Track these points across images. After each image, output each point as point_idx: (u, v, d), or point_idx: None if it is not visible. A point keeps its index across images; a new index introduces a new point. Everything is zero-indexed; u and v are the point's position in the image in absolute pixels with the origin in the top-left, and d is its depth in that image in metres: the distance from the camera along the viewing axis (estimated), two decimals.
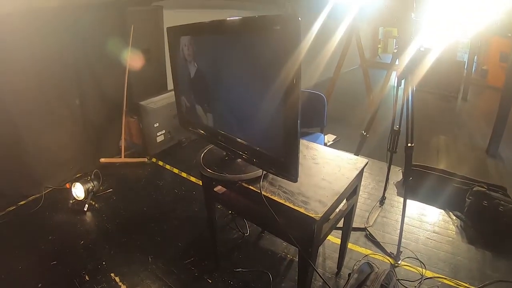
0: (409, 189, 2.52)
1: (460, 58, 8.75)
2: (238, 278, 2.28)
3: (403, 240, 2.48)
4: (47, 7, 2.89)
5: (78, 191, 3.07)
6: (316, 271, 1.79)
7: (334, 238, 2.61)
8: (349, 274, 2.11)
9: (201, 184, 2.10)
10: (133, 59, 3.69)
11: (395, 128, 2.61)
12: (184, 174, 3.63)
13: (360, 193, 2.00)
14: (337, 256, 2.31)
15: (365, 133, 2.84)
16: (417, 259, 2.43)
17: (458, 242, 2.66)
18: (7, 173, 2.99)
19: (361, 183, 1.98)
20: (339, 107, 5.76)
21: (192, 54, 1.79)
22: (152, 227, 2.79)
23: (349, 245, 2.41)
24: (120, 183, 3.44)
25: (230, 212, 2.79)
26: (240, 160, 1.77)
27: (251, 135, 1.57)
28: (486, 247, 2.59)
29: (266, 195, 1.54)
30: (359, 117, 4.85)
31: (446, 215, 2.99)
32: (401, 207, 2.45)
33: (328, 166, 1.81)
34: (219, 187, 2.00)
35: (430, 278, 2.29)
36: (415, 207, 3.06)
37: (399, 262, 2.41)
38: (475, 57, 8.79)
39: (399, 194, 3.26)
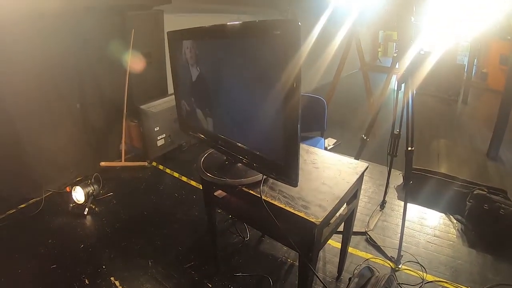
0: (409, 193, 2.51)
1: (460, 61, 8.78)
2: (238, 282, 2.27)
3: (403, 244, 2.47)
4: (48, 11, 2.89)
5: (78, 194, 3.07)
6: (317, 276, 1.78)
7: (334, 242, 2.60)
8: (350, 279, 2.11)
9: (201, 188, 2.10)
10: (133, 63, 3.70)
11: (395, 132, 2.61)
12: (184, 178, 3.63)
13: (361, 197, 2.00)
14: (338, 261, 2.31)
15: (365, 137, 2.84)
16: (418, 263, 2.42)
17: (459, 246, 2.65)
18: (7, 176, 2.99)
19: (362, 187, 1.98)
20: (339, 111, 5.77)
21: (192, 58, 1.80)
22: (152, 231, 2.78)
23: (350, 249, 2.40)
24: (120, 187, 3.44)
25: (230, 216, 2.79)
26: (240, 164, 1.77)
27: (251, 140, 1.56)
28: (487, 250, 2.58)
29: (266, 199, 1.54)
30: (360, 120, 4.86)
31: (446, 218, 2.98)
32: (402, 211, 2.45)
33: (328, 171, 1.81)
34: (219, 191, 1.99)
35: (431, 282, 2.28)
36: (415, 211, 3.05)
37: (399, 266, 2.40)
38: (475, 60, 8.80)
39: (399, 198, 3.25)
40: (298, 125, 1.26)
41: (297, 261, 1.80)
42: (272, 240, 2.60)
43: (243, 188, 1.65)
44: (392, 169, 2.91)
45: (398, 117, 2.54)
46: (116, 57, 3.61)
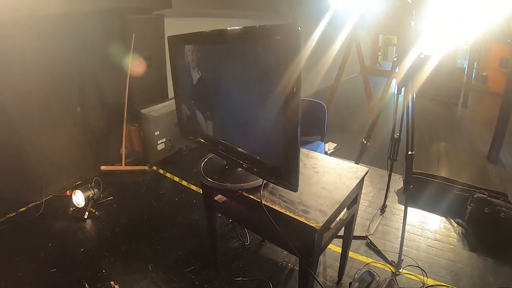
0: (410, 197, 2.51)
1: (460, 65, 8.80)
2: (238, 287, 2.27)
3: (404, 248, 2.47)
4: (48, 13, 2.90)
5: (79, 198, 3.07)
6: (317, 280, 1.78)
7: (335, 247, 2.60)
8: (350, 283, 2.11)
9: (201, 192, 2.10)
10: (134, 67, 3.71)
11: (395, 136, 2.61)
12: (184, 183, 3.63)
13: (361, 201, 2.00)
14: (338, 265, 2.30)
15: (365, 142, 2.84)
16: (419, 267, 2.42)
17: (459, 250, 2.65)
18: (8, 179, 3.00)
19: (362, 191, 1.98)
20: (339, 115, 5.77)
21: (192, 63, 1.80)
22: (152, 235, 2.78)
23: (350, 254, 2.39)
24: (120, 191, 3.44)
25: (230, 220, 2.79)
26: (240, 169, 1.77)
27: (251, 144, 1.57)
28: (488, 254, 2.58)
29: (267, 204, 1.54)
30: (360, 124, 4.87)
31: (447, 222, 2.98)
32: (402, 215, 2.45)
33: (328, 175, 1.81)
34: (220, 196, 2.00)
35: (432, 286, 2.27)
36: (416, 215, 3.05)
37: (400, 270, 2.39)
38: (475, 63, 8.82)
39: (400, 202, 3.25)
40: (298, 130, 1.26)
41: (298, 266, 1.80)
42: (272, 244, 2.59)
43: (243, 193, 1.64)
44: (392, 173, 2.91)
45: (398, 121, 2.54)
46: (117, 60, 3.61)
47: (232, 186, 1.67)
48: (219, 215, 2.40)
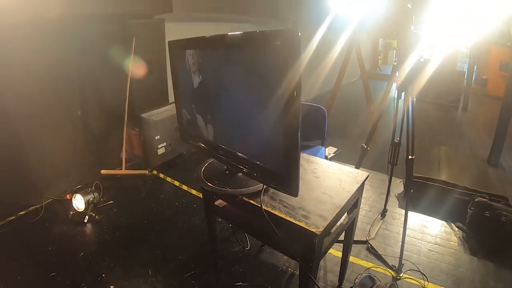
0: (410, 201, 2.51)
1: (460, 68, 8.81)
2: None
3: (405, 252, 2.46)
4: (49, 17, 2.91)
5: (79, 202, 3.07)
6: (317, 285, 1.78)
7: (335, 251, 2.59)
8: None
9: (201, 197, 2.10)
10: (134, 71, 3.71)
11: (395, 140, 2.61)
12: (185, 187, 3.62)
13: (362, 205, 2.00)
14: (339, 270, 2.29)
15: (365, 146, 2.83)
16: (419, 271, 2.41)
17: (460, 254, 2.65)
18: (8, 182, 2.99)
19: (362, 196, 1.98)
20: (339, 119, 5.77)
21: (193, 68, 1.81)
22: (153, 239, 2.78)
23: (351, 258, 2.39)
24: (120, 195, 3.43)
25: (230, 225, 2.78)
26: (240, 174, 1.77)
27: (251, 149, 1.57)
28: (489, 258, 2.57)
29: (267, 209, 1.54)
30: (360, 129, 4.86)
31: (448, 226, 2.98)
32: (403, 219, 2.44)
33: (329, 180, 1.81)
34: (220, 200, 1.99)
35: None
36: (416, 219, 3.04)
37: (401, 275, 2.39)
38: (475, 66, 8.83)
39: (400, 206, 3.25)
40: (299, 135, 1.26)
41: (298, 270, 1.79)
42: (272, 249, 2.58)
43: (243, 198, 1.65)
44: (393, 177, 2.91)
45: (398, 125, 2.55)
46: (117, 64, 3.62)
47: (233, 191, 1.66)
48: (219, 219, 2.40)
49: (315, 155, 2.16)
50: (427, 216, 3.09)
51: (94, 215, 3.08)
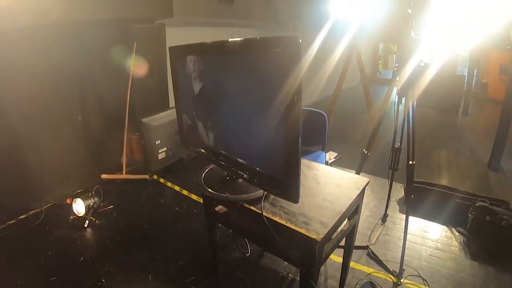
0: (411, 206, 2.50)
1: (460, 72, 8.83)
2: None
3: (405, 257, 2.45)
4: (51, 21, 2.93)
5: (79, 207, 3.06)
6: None
7: (336, 257, 2.58)
8: None
9: (202, 202, 2.10)
10: (135, 76, 3.72)
11: (396, 145, 2.61)
12: (185, 192, 3.62)
13: (362, 211, 1.99)
14: (339, 275, 2.28)
15: (366, 152, 2.83)
16: (420, 276, 2.40)
17: (461, 258, 2.64)
18: (8, 186, 2.99)
19: (363, 201, 1.98)
20: (340, 124, 5.78)
21: (193, 74, 1.81)
22: (153, 244, 2.77)
23: (351, 264, 2.38)
24: (121, 199, 3.43)
25: (231, 231, 2.77)
26: (241, 180, 1.77)
27: (252, 156, 1.57)
28: (490, 262, 2.57)
29: (268, 215, 1.54)
30: (360, 133, 4.87)
31: (448, 231, 2.97)
32: (403, 224, 2.44)
33: (329, 186, 1.81)
34: (220, 206, 1.99)
35: None
36: (417, 224, 3.04)
37: (401, 280, 2.38)
38: (475, 70, 8.84)
39: (401, 211, 3.24)
40: (299, 142, 1.27)
41: (298, 276, 1.79)
42: (273, 254, 2.59)
43: (244, 204, 1.64)
44: (393, 182, 2.90)
45: (398, 130, 2.55)
46: (118, 69, 3.63)
47: (233, 198, 1.66)
48: (220, 225, 2.40)
49: (315, 161, 2.17)
50: (428, 221, 3.09)
51: (94, 219, 3.08)
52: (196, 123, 1.93)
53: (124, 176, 3.77)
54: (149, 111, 3.96)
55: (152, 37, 3.88)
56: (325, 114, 2.99)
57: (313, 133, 2.96)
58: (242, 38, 1.44)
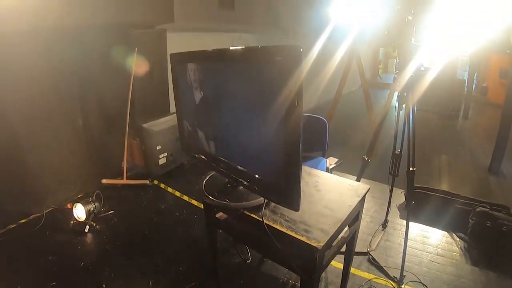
0: (411, 213, 2.50)
1: (460, 77, 8.84)
2: None
3: (406, 263, 2.45)
4: (52, 26, 2.93)
5: (79, 212, 3.06)
6: None
7: (336, 263, 2.57)
8: None
9: (202, 207, 2.10)
10: (136, 81, 3.73)
11: (396, 152, 2.61)
12: (185, 197, 3.61)
13: (363, 216, 1.99)
14: (340, 281, 2.28)
15: (366, 158, 2.83)
16: (421, 282, 2.40)
17: (462, 264, 2.64)
18: (9, 190, 3.00)
19: (364, 207, 1.98)
20: (340, 129, 5.77)
21: (194, 81, 1.82)
22: (153, 250, 2.77)
23: (352, 270, 2.39)
24: (121, 205, 3.43)
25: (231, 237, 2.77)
26: (242, 187, 1.77)
27: (252, 163, 1.57)
28: (490, 268, 2.57)
29: (268, 223, 1.54)
30: (361, 138, 4.86)
31: (449, 236, 2.97)
32: (404, 230, 2.44)
33: (330, 194, 1.81)
34: (221, 213, 1.99)
35: None
36: (418, 230, 3.04)
37: (402, 286, 2.38)
38: (475, 74, 8.85)
39: (401, 217, 3.24)
40: (300, 151, 1.27)
41: (299, 282, 1.79)
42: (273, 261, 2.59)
43: (244, 212, 1.65)
44: (394, 188, 2.90)
45: (399, 136, 2.55)
46: (119, 74, 3.64)
47: (234, 205, 1.67)
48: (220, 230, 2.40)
49: (316, 167, 2.17)
50: (428, 227, 3.08)
51: (94, 224, 3.07)
52: (196, 130, 1.94)
53: (124, 181, 3.77)
54: (150, 116, 3.96)
55: (152, 42, 3.90)
56: (325, 120, 2.99)
57: (313, 139, 2.96)
58: (242, 47, 1.45)
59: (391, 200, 3.00)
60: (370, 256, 2.67)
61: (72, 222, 3.09)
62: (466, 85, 7.87)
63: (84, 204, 3.05)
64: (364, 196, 1.83)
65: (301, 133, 1.25)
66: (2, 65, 2.78)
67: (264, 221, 1.54)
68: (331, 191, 1.84)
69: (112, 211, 3.28)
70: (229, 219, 1.97)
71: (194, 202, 3.52)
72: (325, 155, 3.03)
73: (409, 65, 2.33)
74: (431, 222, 3.10)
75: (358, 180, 2.73)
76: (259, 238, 1.73)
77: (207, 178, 1.95)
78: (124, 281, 2.43)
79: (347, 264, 2.15)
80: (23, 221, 3.08)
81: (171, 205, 3.48)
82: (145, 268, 2.56)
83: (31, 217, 3.13)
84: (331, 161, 3.38)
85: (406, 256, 2.43)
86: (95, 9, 3.20)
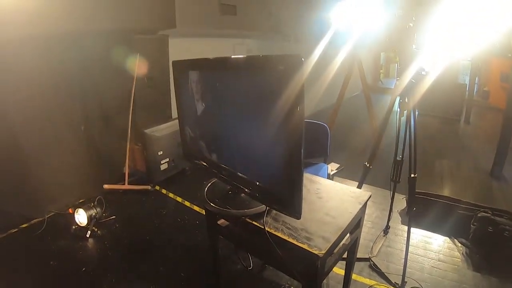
0: (413, 218, 2.50)
1: (461, 81, 8.83)
2: None
3: (407, 269, 2.45)
4: (54, 32, 2.95)
5: (81, 217, 3.07)
6: None
7: (338, 269, 2.56)
8: None
9: (203, 213, 2.11)
10: (138, 87, 3.74)
11: (398, 158, 2.61)
12: (187, 203, 3.62)
13: (364, 222, 1.99)
14: None
15: (368, 165, 2.82)
16: None
17: (463, 270, 2.63)
18: (10, 194, 3.01)
19: (365, 212, 1.98)
20: (342, 134, 5.76)
21: (196, 89, 1.83)
22: (155, 256, 2.77)
23: (353, 276, 2.38)
24: (123, 210, 3.43)
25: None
26: (243, 194, 1.78)
27: (254, 171, 1.58)
28: (492, 273, 2.56)
29: (270, 231, 1.54)
30: (362, 143, 4.86)
31: (451, 242, 2.96)
32: (406, 235, 2.44)
33: (331, 201, 1.81)
34: (223, 220, 1.99)
35: None
36: (419, 235, 3.03)
37: None
38: (476, 78, 8.84)
39: (403, 223, 3.23)
40: (301, 160, 1.28)
41: None
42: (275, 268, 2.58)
43: (246, 219, 1.65)
44: (395, 193, 2.90)
45: (400, 142, 2.55)
46: (121, 79, 3.65)
47: (236, 212, 1.67)
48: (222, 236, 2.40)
49: (317, 173, 2.18)
50: (430, 232, 3.07)
51: (96, 230, 3.08)
52: (198, 138, 1.95)
53: (126, 186, 3.78)
54: (152, 122, 3.97)
55: (155, 48, 3.91)
56: (327, 126, 2.99)
57: (315, 145, 2.96)
58: (245, 56, 1.46)
59: (393, 206, 3.00)
60: (372, 262, 2.66)
61: (73, 227, 3.10)
62: (467, 89, 7.85)
63: (86, 209, 3.06)
64: (366, 203, 1.84)
65: (303, 141, 1.25)
66: (5, 73, 2.80)
67: (266, 228, 1.54)
68: (332, 198, 1.84)
69: (114, 217, 3.29)
70: (230, 226, 1.97)
71: (196, 208, 3.52)
72: (326, 161, 3.03)
73: (410, 72, 2.34)
74: (433, 227, 3.09)
75: (359, 187, 2.73)
76: (260, 245, 1.74)
77: (209, 185, 1.96)
78: (125, 286, 2.44)
79: (348, 270, 2.14)
80: (24, 225, 3.09)
81: (172, 211, 3.49)
82: (146, 273, 2.57)
83: (33, 221, 3.15)
84: (332, 167, 3.39)
85: (407, 262, 2.43)
86: (98, 14, 3.22)
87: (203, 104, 1.80)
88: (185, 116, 2.06)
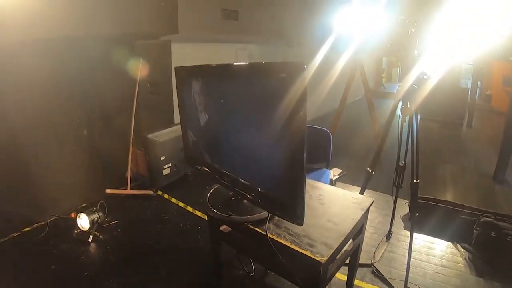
0: (415, 224, 2.50)
1: (463, 85, 8.81)
2: None
3: (410, 275, 2.44)
4: (57, 38, 2.95)
5: (83, 221, 3.07)
6: None
7: (340, 275, 2.55)
8: None
9: (206, 218, 2.11)
10: (141, 92, 3.75)
11: (400, 163, 2.60)
12: (189, 208, 3.61)
13: (367, 228, 1.99)
14: None
15: (370, 170, 2.82)
16: None
17: (466, 275, 2.61)
18: (13, 198, 3.02)
19: (368, 218, 1.97)
20: (344, 139, 5.74)
21: (199, 95, 1.83)
22: (157, 261, 2.76)
23: (356, 282, 2.37)
24: (125, 215, 3.43)
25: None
26: (246, 201, 1.78)
27: (257, 178, 1.58)
28: (495, 278, 2.54)
29: (272, 237, 1.55)
30: (365, 148, 4.86)
31: (453, 247, 2.95)
32: (408, 241, 2.43)
33: (334, 207, 1.81)
34: (225, 226, 2.00)
35: None
36: (422, 241, 3.02)
37: None
38: (478, 82, 8.83)
39: (406, 228, 3.22)
40: (304, 167, 1.28)
41: None
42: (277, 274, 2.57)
43: (248, 225, 1.65)
44: (398, 198, 2.89)
45: (403, 148, 2.55)
46: (124, 84, 3.66)
47: (238, 219, 1.67)
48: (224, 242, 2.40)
49: (320, 178, 2.18)
50: (433, 238, 3.06)
51: (98, 234, 3.08)
52: (201, 144, 1.95)
53: (128, 191, 3.78)
54: (154, 127, 3.98)
55: (157, 53, 3.93)
56: (329, 132, 2.99)
57: (317, 150, 2.96)
58: (247, 63, 1.46)
59: (395, 211, 2.99)
60: (374, 268, 2.65)
61: (76, 231, 3.10)
62: (469, 93, 7.85)
63: (88, 214, 3.06)
64: (368, 209, 1.84)
65: (305, 148, 1.26)
66: (8, 77, 2.82)
67: (268, 235, 1.54)
68: (335, 204, 1.84)
69: (116, 221, 3.29)
70: (233, 232, 1.97)
71: (198, 213, 3.51)
72: (328, 167, 3.03)
73: (413, 78, 2.34)
74: (436, 233, 3.08)
75: (361, 193, 2.72)
76: (262, 251, 1.73)
77: (211, 191, 1.96)
78: None
79: (351, 276, 2.14)
80: (26, 229, 3.09)
81: (175, 216, 3.48)
82: (148, 278, 2.56)
83: (35, 225, 3.15)
84: (335, 172, 3.37)
85: (410, 268, 2.42)
86: (101, 19, 3.22)
87: (206, 110, 1.81)
88: (187, 121, 2.06)
